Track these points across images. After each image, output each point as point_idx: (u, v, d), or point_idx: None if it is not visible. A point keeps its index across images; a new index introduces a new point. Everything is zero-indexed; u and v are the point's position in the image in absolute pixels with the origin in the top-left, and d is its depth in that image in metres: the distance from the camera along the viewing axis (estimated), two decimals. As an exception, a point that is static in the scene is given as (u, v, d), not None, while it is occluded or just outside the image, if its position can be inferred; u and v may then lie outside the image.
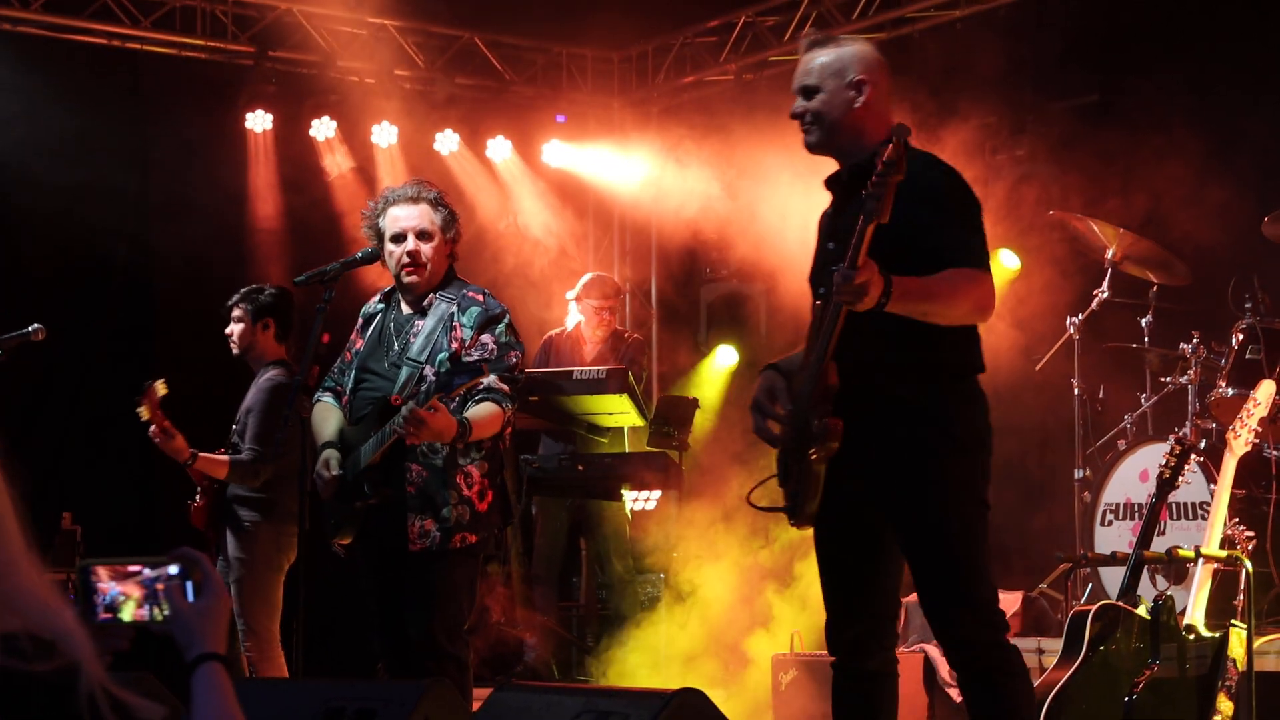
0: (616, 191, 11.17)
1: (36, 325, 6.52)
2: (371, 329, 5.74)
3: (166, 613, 2.23)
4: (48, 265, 9.36)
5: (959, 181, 4.39)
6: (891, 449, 4.28)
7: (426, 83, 10.70)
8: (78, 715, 1.84)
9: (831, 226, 4.52)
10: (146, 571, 2.25)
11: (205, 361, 9.44)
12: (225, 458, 7.05)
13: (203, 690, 2.13)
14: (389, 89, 10.55)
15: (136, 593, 2.25)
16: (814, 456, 4.25)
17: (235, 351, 7.37)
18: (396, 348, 5.58)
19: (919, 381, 4.31)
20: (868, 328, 4.18)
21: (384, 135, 10.50)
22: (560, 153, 11.04)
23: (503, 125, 10.90)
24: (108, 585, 2.26)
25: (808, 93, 4.43)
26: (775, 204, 9.40)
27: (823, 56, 4.43)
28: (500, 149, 10.87)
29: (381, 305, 5.77)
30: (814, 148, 4.48)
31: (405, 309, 5.65)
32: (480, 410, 5.42)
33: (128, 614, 2.25)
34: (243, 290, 7.43)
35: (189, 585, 2.24)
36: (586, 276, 9.32)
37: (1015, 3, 9.19)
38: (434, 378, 5.37)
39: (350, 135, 10.50)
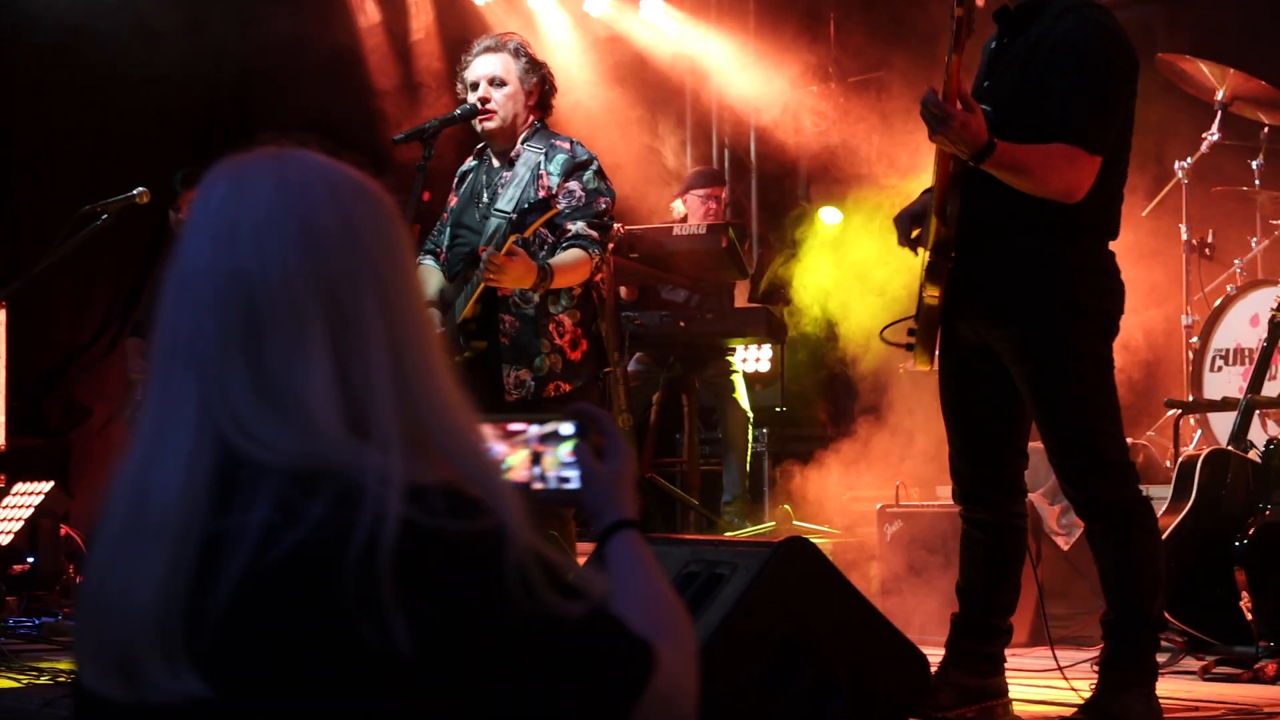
0: (714, 49, 11.01)
1: (141, 188, 6.58)
2: (464, 186, 5.77)
3: (554, 474, 2.00)
4: (150, 128, 9.45)
5: (1103, 44, 4.23)
6: (1015, 303, 4.25)
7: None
8: (503, 585, 1.60)
9: (990, 63, 4.45)
10: (532, 430, 2.02)
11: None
12: None
13: (625, 558, 1.90)
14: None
15: (521, 453, 2.03)
16: (927, 296, 4.27)
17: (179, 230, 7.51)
18: (485, 200, 5.61)
19: (1049, 236, 4.25)
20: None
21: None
22: (657, 9, 10.89)
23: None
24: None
25: None
26: (877, 54, 9.29)
27: None
28: (597, 3, 10.75)
29: (475, 162, 5.81)
30: None
31: (495, 162, 5.68)
32: (565, 256, 5.43)
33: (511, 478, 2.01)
34: (184, 173, 7.70)
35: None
36: (693, 176, 9.27)
37: None
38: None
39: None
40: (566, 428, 1.99)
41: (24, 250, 8.99)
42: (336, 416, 1.64)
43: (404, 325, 1.70)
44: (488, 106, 5.59)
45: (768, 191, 11.10)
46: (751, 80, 10.33)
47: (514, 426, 2.05)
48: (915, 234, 4.47)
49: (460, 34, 10.13)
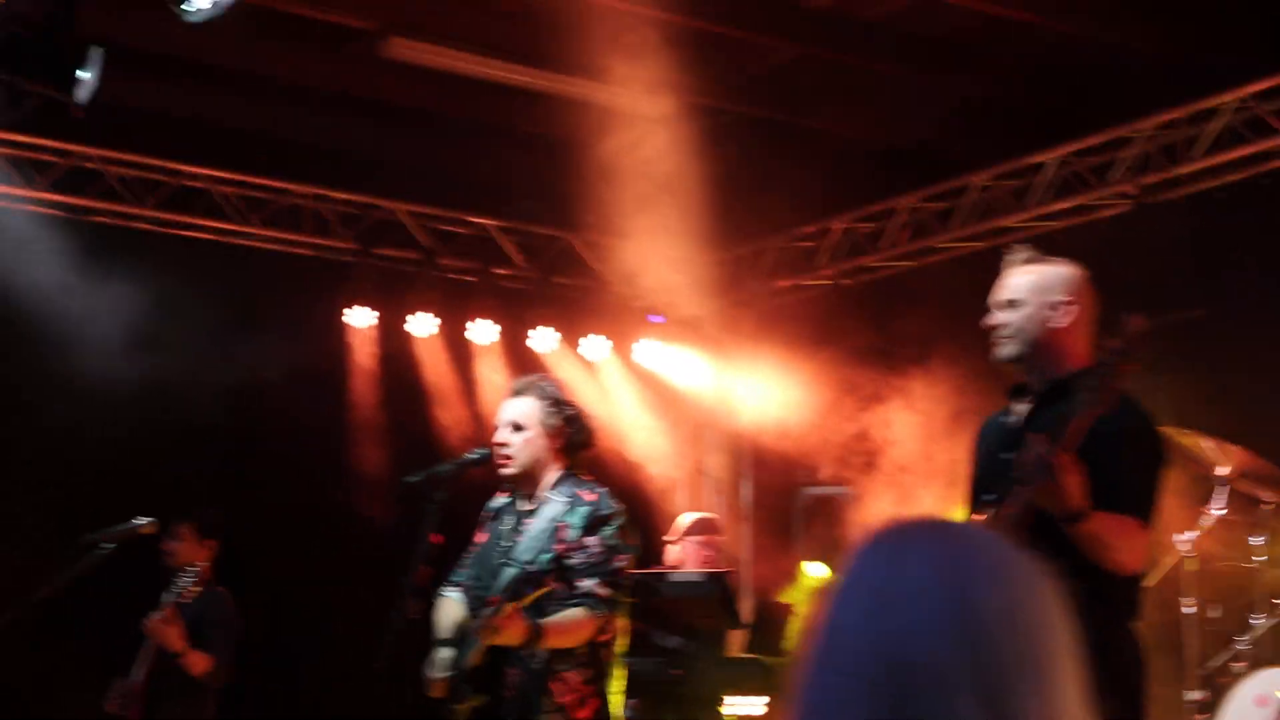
0: (708, 394, 11.16)
1: (149, 519, 6.53)
2: (491, 524, 5.72)
3: None
4: (146, 453, 9.40)
5: (1151, 427, 4.35)
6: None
7: (525, 281, 10.84)
8: None
9: (1008, 436, 4.48)
10: None
11: (298, 549, 9.52)
12: (207, 656, 7.33)
13: None
14: (488, 286, 10.69)
15: None
16: None
17: (172, 563, 7.62)
18: (505, 546, 5.55)
19: (1082, 614, 4.21)
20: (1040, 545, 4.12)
21: (481, 332, 10.59)
22: (654, 353, 11.07)
23: (598, 324, 10.96)
24: None
25: (1011, 305, 4.47)
26: (874, 413, 9.38)
27: (1030, 273, 4.50)
28: (596, 348, 10.92)
29: (505, 501, 5.74)
30: (1006, 359, 4.48)
31: (521, 505, 5.62)
32: (563, 616, 5.32)
33: None
34: (191, 511, 7.82)
35: None
36: (687, 518, 9.21)
37: (1116, 215, 9.21)
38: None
39: (448, 331, 10.59)
40: None
41: (5, 572, 8.18)
42: None
43: None
44: (503, 452, 5.57)
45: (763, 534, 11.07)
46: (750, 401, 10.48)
47: None
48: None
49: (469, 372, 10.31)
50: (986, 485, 4.49)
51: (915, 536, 1.63)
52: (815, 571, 9.66)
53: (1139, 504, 4.19)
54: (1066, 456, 3.96)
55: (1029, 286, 4.47)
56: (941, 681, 1.51)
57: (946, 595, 1.55)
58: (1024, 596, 1.59)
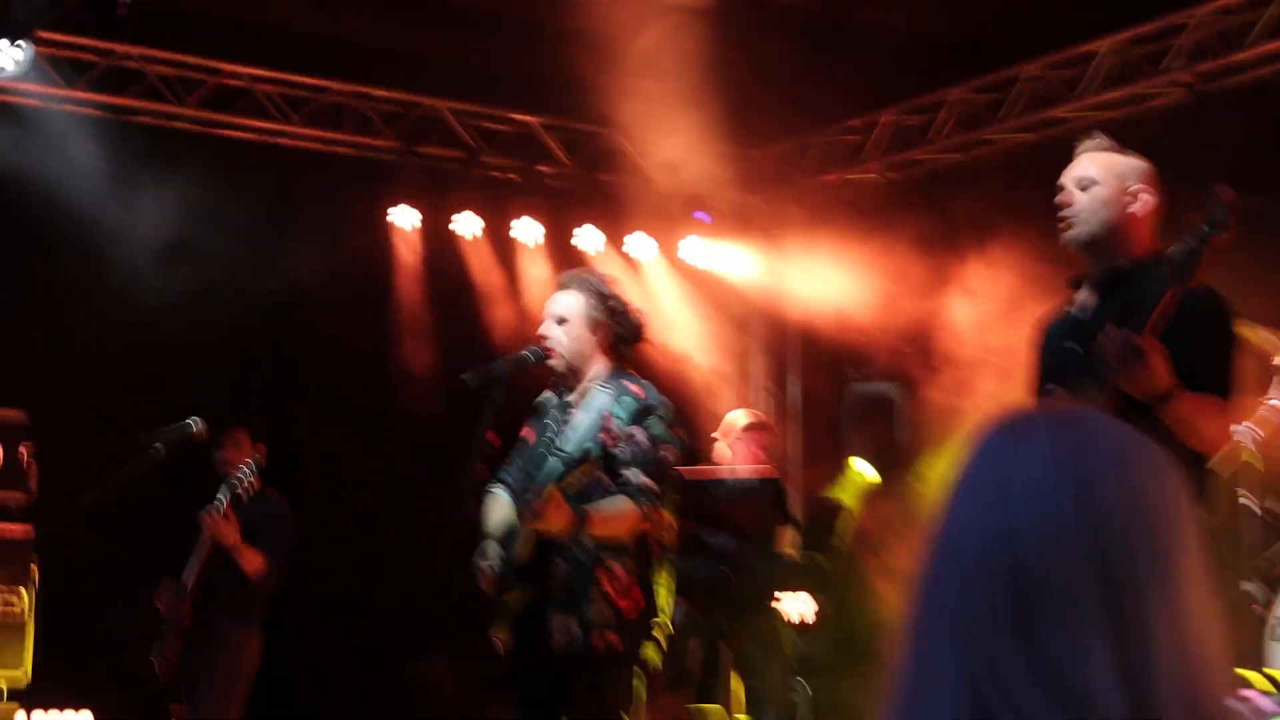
0: (755, 290, 11.09)
1: (200, 421, 6.51)
2: (538, 419, 5.68)
3: None
4: (191, 357, 9.39)
5: (1224, 306, 4.27)
6: None
7: (569, 179, 10.75)
8: None
9: (1071, 327, 4.41)
10: None
11: (347, 452, 9.52)
12: (261, 554, 7.33)
13: None
14: (532, 184, 10.61)
15: None
16: None
17: (224, 467, 7.56)
18: (551, 438, 5.52)
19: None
20: None
21: (526, 231, 10.52)
22: (699, 249, 10.99)
23: (643, 222, 10.88)
24: None
25: (1083, 184, 4.36)
26: (925, 306, 9.29)
27: (1106, 155, 4.39)
28: (641, 246, 10.84)
29: (552, 396, 5.70)
30: (1073, 241, 4.38)
31: (568, 399, 5.58)
32: (607, 504, 5.28)
33: None
34: (239, 418, 7.77)
35: None
36: (737, 417, 9.10)
37: (1171, 105, 9.05)
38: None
39: (492, 230, 10.53)
40: None
41: (53, 477, 8.18)
42: (1123, 713, 1.46)
43: (1189, 613, 1.50)
44: (548, 345, 5.53)
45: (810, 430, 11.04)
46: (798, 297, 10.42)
47: None
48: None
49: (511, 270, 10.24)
50: (1052, 378, 4.42)
51: (1034, 425, 1.58)
52: (864, 469, 9.61)
53: (1221, 383, 4.12)
54: (1152, 338, 3.89)
55: (1106, 169, 4.36)
56: (1064, 569, 1.48)
57: (1068, 482, 1.51)
58: (1146, 481, 1.54)
